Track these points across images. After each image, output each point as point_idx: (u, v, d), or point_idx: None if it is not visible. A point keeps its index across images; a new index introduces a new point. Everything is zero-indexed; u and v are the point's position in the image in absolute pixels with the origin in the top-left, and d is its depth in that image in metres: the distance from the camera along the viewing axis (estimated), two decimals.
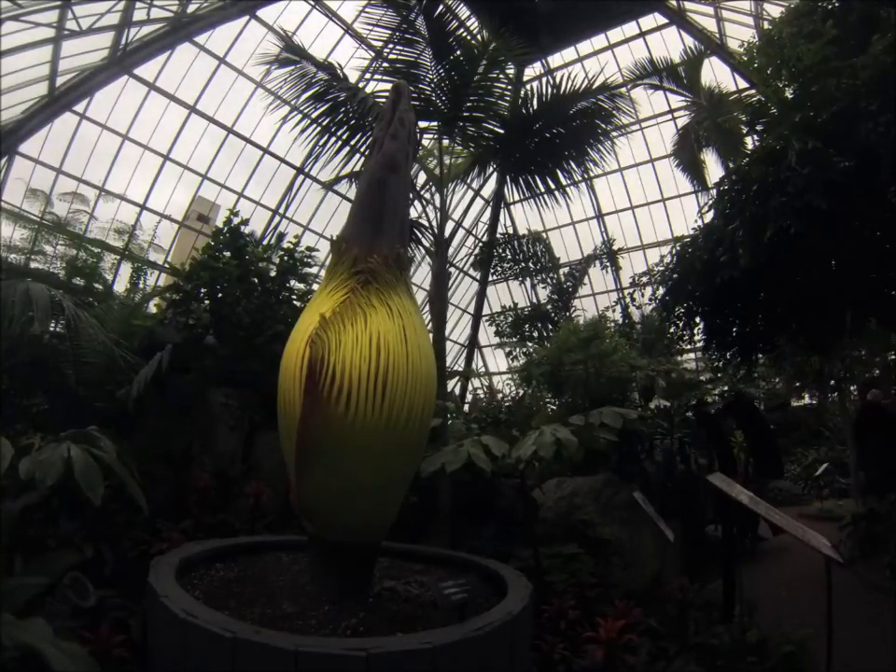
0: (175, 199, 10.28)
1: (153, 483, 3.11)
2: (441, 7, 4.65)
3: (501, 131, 5.14)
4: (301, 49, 4.83)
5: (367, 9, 4.81)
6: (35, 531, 2.59)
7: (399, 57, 4.90)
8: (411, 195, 4.06)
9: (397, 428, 2.15)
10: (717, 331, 5.72)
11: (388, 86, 3.86)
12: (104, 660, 1.94)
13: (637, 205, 14.21)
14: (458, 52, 4.70)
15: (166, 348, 3.65)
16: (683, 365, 9.11)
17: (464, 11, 6.18)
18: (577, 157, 5.21)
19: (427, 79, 4.85)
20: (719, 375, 8.06)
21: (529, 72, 10.32)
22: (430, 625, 2.03)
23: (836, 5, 4.79)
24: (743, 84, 10.27)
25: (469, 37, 5.20)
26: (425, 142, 5.81)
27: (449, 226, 5.16)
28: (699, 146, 11.22)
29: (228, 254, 4.82)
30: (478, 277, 15.14)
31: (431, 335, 3.85)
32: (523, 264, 12.47)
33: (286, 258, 5.13)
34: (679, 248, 5.70)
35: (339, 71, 4.81)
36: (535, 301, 13.64)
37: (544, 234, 13.47)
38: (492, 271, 13.35)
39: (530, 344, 10.87)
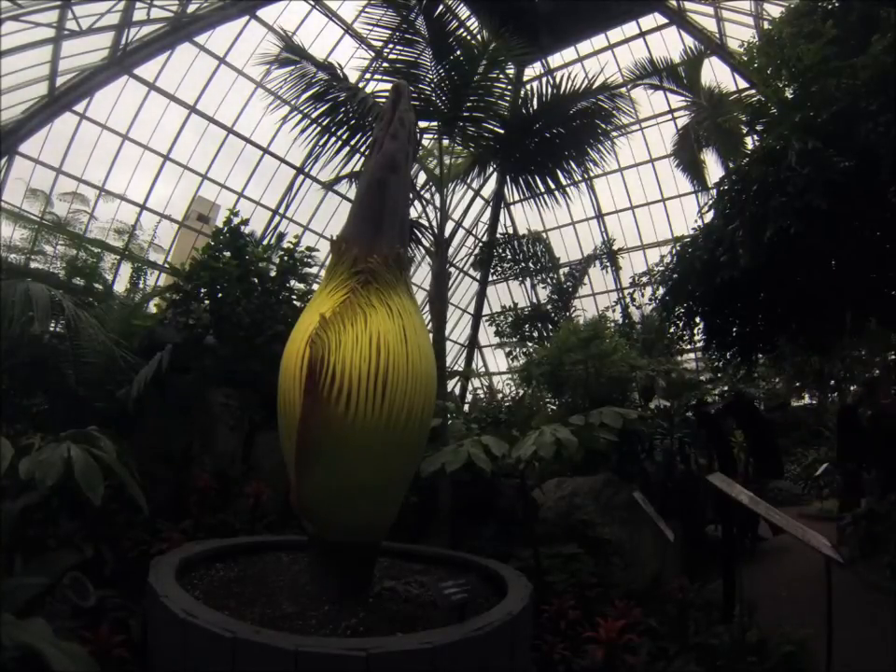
0: (175, 199, 10.29)
1: (153, 483, 3.11)
2: (440, 7, 4.65)
3: (501, 131, 5.14)
4: (300, 48, 4.83)
5: (367, 9, 4.81)
6: (34, 531, 2.59)
7: (399, 57, 4.90)
8: (411, 195, 4.06)
9: (397, 428, 2.15)
10: (717, 331, 5.72)
11: (388, 86, 3.86)
12: (104, 660, 1.94)
13: (637, 205, 14.21)
14: (458, 52, 4.70)
15: (166, 348, 3.65)
16: (683, 365, 9.11)
17: (464, 11, 6.18)
18: (577, 157, 5.21)
19: (427, 79, 4.85)
20: (719, 375, 8.06)
21: (529, 72, 10.32)
22: (430, 625, 2.03)
23: (836, 5, 4.79)
24: (743, 84, 10.27)
25: (469, 37, 5.20)
26: (425, 142, 5.81)
27: (449, 226, 5.16)
28: (699, 146, 11.22)
29: (228, 254, 4.82)
30: (478, 277, 15.14)
31: (431, 335, 3.85)
32: (523, 264, 12.47)
33: (286, 258, 5.13)
34: (679, 248, 5.70)
35: (339, 71, 4.81)
36: (535, 301, 13.64)
37: (544, 234, 13.47)
38: (492, 271, 13.34)
39: (530, 344, 10.87)
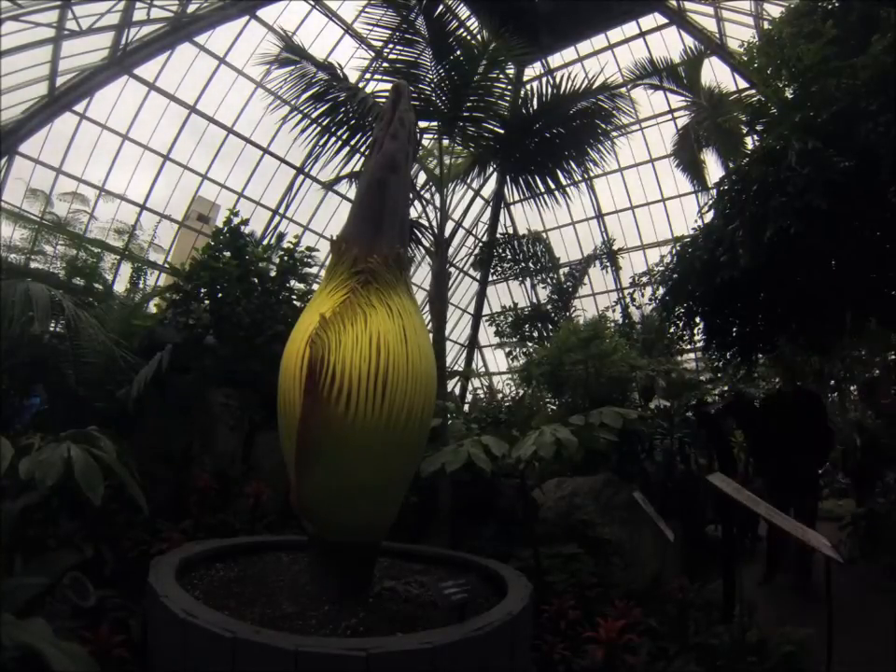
0: (174, 199, 10.29)
1: (153, 483, 3.11)
2: (440, 7, 4.64)
3: (501, 131, 5.14)
4: (301, 49, 4.83)
5: (367, 9, 4.80)
6: (35, 531, 2.59)
7: (399, 57, 4.90)
8: (411, 195, 4.06)
9: (397, 428, 2.15)
10: (717, 331, 5.72)
11: (388, 86, 3.86)
12: (104, 660, 1.94)
13: (637, 205, 14.22)
14: (458, 52, 4.69)
15: (166, 348, 3.65)
16: (683, 365, 9.10)
17: (464, 11, 6.18)
18: (577, 157, 5.20)
19: (427, 79, 4.84)
20: (719, 375, 8.06)
21: (529, 72, 10.32)
22: (430, 625, 2.03)
23: (836, 5, 4.79)
24: (743, 84, 10.26)
25: (469, 37, 5.19)
26: (425, 142, 5.81)
27: (449, 226, 5.16)
28: (699, 146, 11.22)
29: (228, 254, 4.82)
30: (478, 277, 15.13)
31: (431, 335, 3.85)
32: (523, 264, 12.46)
33: (286, 258, 5.13)
34: (678, 248, 5.70)
35: (339, 71, 4.81)
36: (535, 300, 13.64)
37: (544, 234, 13.46)
38: (492, 271, 13.33)
39: (530, 344, 10.86)
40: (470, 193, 11.34)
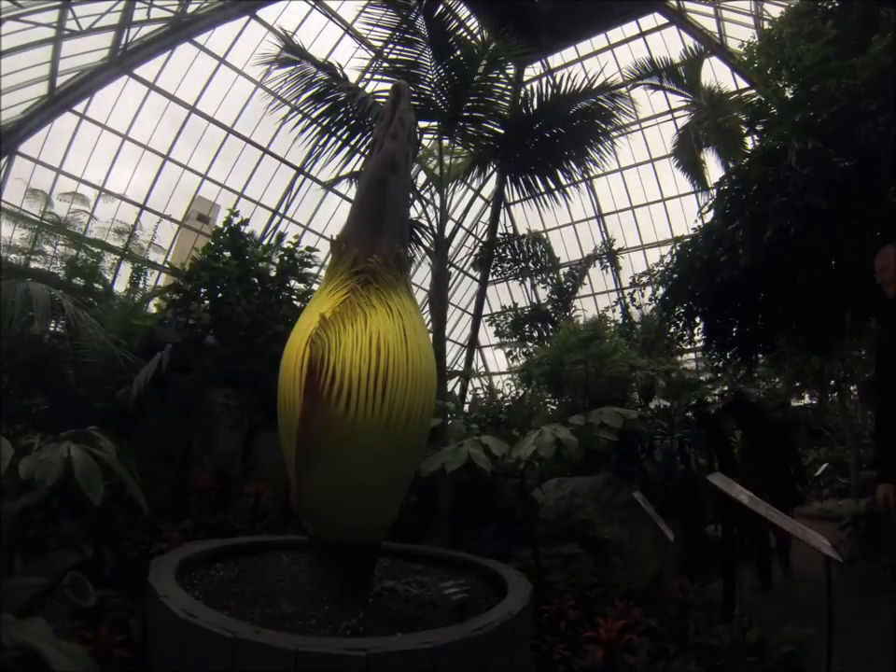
0: (175, 199, 10.30)
1: (153, 483, 3.11)
2: (440, 7, 4.64)
3: (501, 131, 5.14)
4: (301, 49, 4.83)
5: (367, 9, 4.80)
6: (35, 531, 2.59)
7: (399, 57, 4.90)
8: (411, 195, 4.06)
9: (397, 428, 2.15)
10: (717, 331, 5.72)
11: (388, 86, 3.86)
12: (104, 660, 1.94)
13: (637, 205, 14.22)
14: (458, 52, 4.69)
15: (166, 348, 3.64)
16: (683, 365, 9.11)
17: (464, 11, 6.18)
18: (577, 157, 5.20)
19: (427, 79, 4.84)
20: (719, 375, 8.06)
21: (529, 72, 10.32)
22: (430, 625, 2.03)
23: (836, 5, 4.79)
24: (743, 84, 10.27)
25: (469, 37, 5.19)
26: (425, 142, 5.81)
27: (449, 226, 5.16)
28: (699, 146, 11.23)
29: (228, 254, 4.82)
30: (478, 277, 15.14)
31: (431, 335, 3.85)
32: (523, 264, 12.47)
33: (286, 258, 5.13)
34: (678, 248, 5.70)
35: (339, 71, 4.81)
36: (535, 300, 13.64)
37: (544, 234, 13.47)
38: (492, 271, 13.34)
39: (530, 344, 10.87)
40: (470, 193, 11.34)
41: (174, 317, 4.55)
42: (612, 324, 9.89)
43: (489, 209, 15.17)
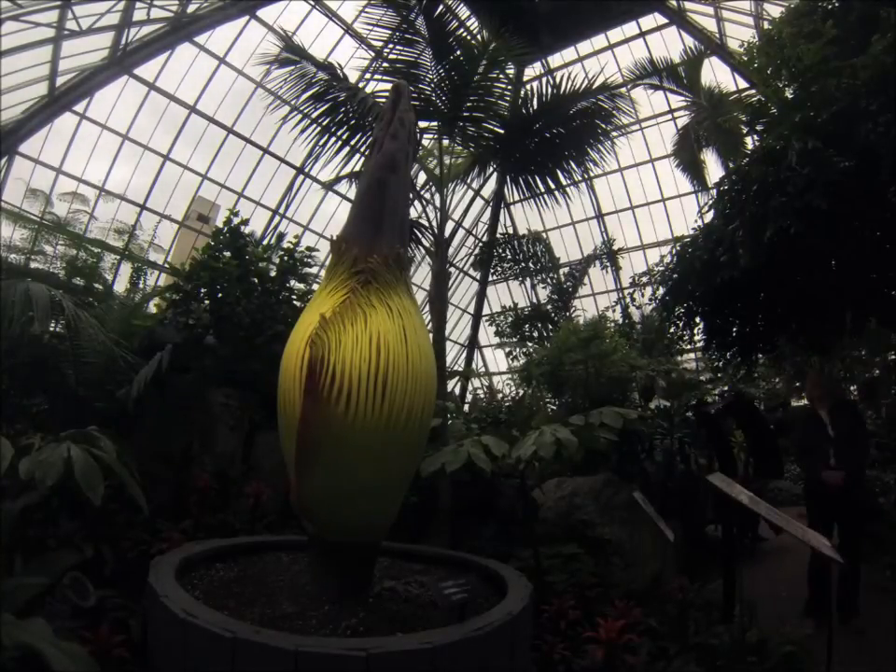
0: (175, 199, 10.30)
1: (153, 483, 3.11)
2: (440, 7, 4.65)
3: (501, 131, 5.14)
4: (301, 49, 4.83)
5: (367, 9, 4.80)
6: (35, 531, 2.59)
7: (399, 57, 4.90)
8: (411, 195, 4.06)
9: (397, 428, 2.15)
10: (717, 331, 5.71)
11: (388, 86, 3.86)
12: (104, 660, 1.94)
13: (637, 205, 14.22)
14: (458, 52, 4.69)
15: (166, 348, 3.64)
16: (683, 365, 9.10)
17: (464, 11, 6.18)
18: (577, 157, 5.20)
19: (427, 79, 4.84)
20: (719, 375, 8.06)
21: (529, 72, 10.33)
22: (430, 625, 2.03)
23: (836, 5, 4.78)
24: (743, 84, 10.27)
25: (469, 37, 5.20)
26: (425, 142, 5.81)
27: (449, 226, 5.16)
28: (699, 146, 11.22)
29: (228, 254, 4.82)
30: (478, 277, 15.14)
31: (431, 335, 3.85)
32: (523, 264, 12.46)
33: (286, 258, 5.13)
34: (678, 248, 5.69)
35: (339, 71, 4.81)
36: (535, 300, 13.64)
37: (544, 234, 13.46)
38: (492, 271, 13.34)
39: (530, 344, 10.86)
40: (470, 193, 11.32)
41: (174, 317, 4.55)
42: (612, 324, 9.88)
43: (489, 209, 15.17)
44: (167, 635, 1.84)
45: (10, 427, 3.24)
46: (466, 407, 9.39)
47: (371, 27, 4.86)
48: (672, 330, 6.76)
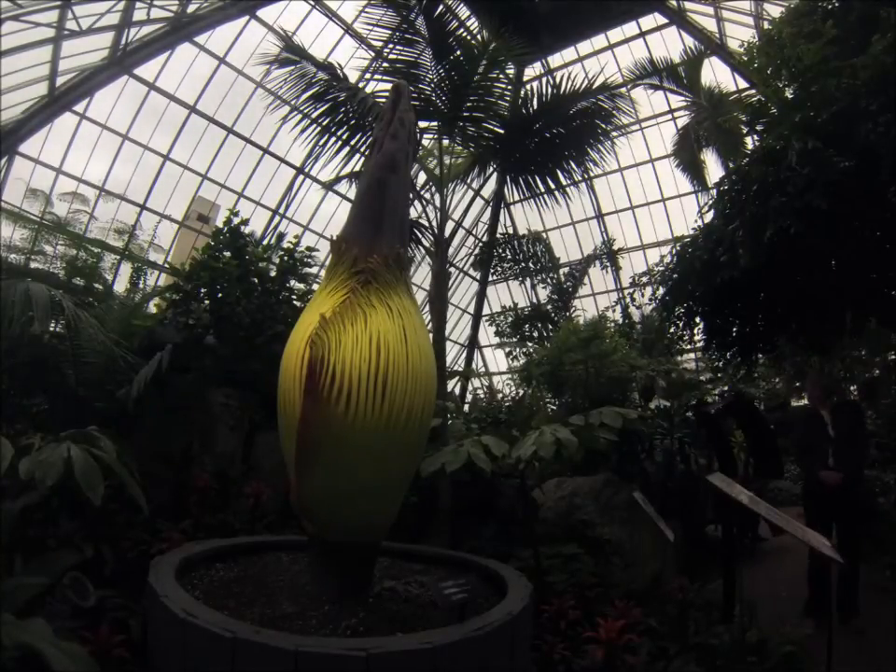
0: (174, 199, 10.30)
1: (153, 483, 3.10)
2: (440, 7, 4.65)
3: (501, 131, 5.14)
4: (301, 49, 4.83)
5: (367, 9, 4.81)
6: (35, 531, 2.59)
7: (399, 57, 4.90)
8: (411, 195, 4.06)
9: (397, 428, 2.15)
10: (717, 331, 5.71)
11: (388, 86, 3.86)
12: (104, 660, 1.94)
13: (637, 205, 14.22)
14: (458, 52, 4.70)
15: (166, 348, 3.64)
16: (683, 365, 9.10)
17: (464, 11, 6.18)
18: (577, 157, 5.20)
19: (427, 79, 4.84)
20: (719, 375, 8.06)
21: (529, 72, 10.33)
22: (430, 625, 2.03)
23: (836, 5, 4.78)
24: (743, 84, 10.27)
25: (469, 37, 5.20)
26: (425, 142, 5.81)
27: (449, 226, 5.16)
28: (699, 146, 11.22)
29: (228, 254, 4.82)
30: (478, 277, 15.14)
31: (431, 335, 3.85)
32: (523, 264, 12.47)
33: (286, 258, 5.13)
34: (679, 248, 5.69)
35: (339, 71, 4.81)
36: (535, 301, 13.64)
37: (544, 234, 13.46)
38: (492, 271, 13.34)
39: (530, 344, 10.86)
40: (470, 193, 11.27)
41: (174, 317, 4.55)
42: (612, 324, 9.88)
43: (489, 209, 15.17)
44: (167, 635, 1.84)
45: (10, 427, 3.24)
46: (466, 407, 9.38)
47: (370, 27, 4.86)
48: (672, 330, 6.76)
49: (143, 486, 2.55)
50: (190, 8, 8.61)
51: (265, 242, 6.20)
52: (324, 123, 4.88)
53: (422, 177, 6.29)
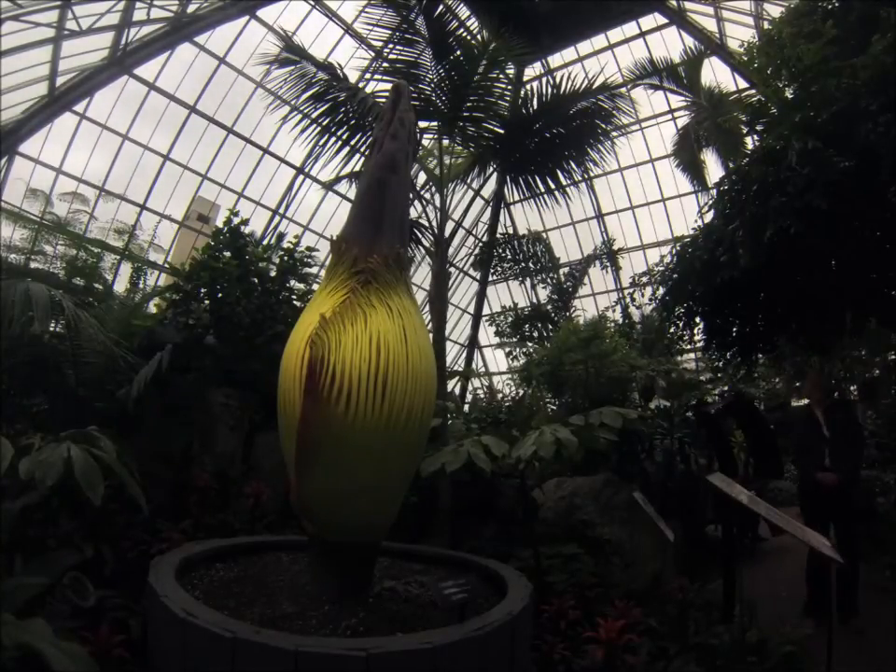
0: (174, 199, 10.30)
1: (153, 483, 3.10)
2: (441, 6, 4.65)
3: (501, 131, 5.14)
4: (301, 49, 4.83)
5: (367, 9, 4.81)
6: (35, 531, 2.58)
7: (399, 57, 4.91)
8: (411, 195, 4.06)
9: (397, 428, 2.15)
10: (717, 331, 5.71)
11: (388, 86, 3.86)
12: (104, 660, 1.93)
13: (637, 205, 14.22)
14: (458, 52, 4.70)
15: (166, 348, 3.64)
16: (683, 365, 9.10)
17: (464, 11, 6.18)
18: (577, 157, 5.21)
19: (427, 79, 4.85)
20: (719, 375, 8.06)
21: (529, 72, 10.33)
22: (430, 625, 2.03)
23: (836, 5, 4.78)
24: (743, 84, 10.27)
25: (469, 37, 5.20)
26: (425, 142, 5.81)
27: (449, 226, 5.16)
28: (699, 146, 11.23)
29: (228, 254, 4.82)
30: (478, 277, 15.14)
31: (431, 335, 3.85)
32: (523, 264, 12.47)
33: (286, 258, 5.13)
34: (679, 248, 5.69)
35: (339, 71, 4.81)
36: (535, 300, 13.64)
37: (544, 234, 13.46)
38: (492, 271, 13.35)
39: (530, 344, 10.86)
40: (470, 193, 11.28)
41: (174, 317, 4.54)
42: (612, 324, 9.88)
43: (489, 209, 15.17)
44: (167, 635, 1.84)
45: (10, 426, 3.24)
46: (466, 407, 9.38)
47: (370, 27, 4.86)
48: (672, 330, 6.76)
49: (143, 486, 2.55)
50: (190, 8, 8.61)
51: (265, 242, 6.20)
52: (324, 123, 4.88)
53: (422, 177, 6.30)
